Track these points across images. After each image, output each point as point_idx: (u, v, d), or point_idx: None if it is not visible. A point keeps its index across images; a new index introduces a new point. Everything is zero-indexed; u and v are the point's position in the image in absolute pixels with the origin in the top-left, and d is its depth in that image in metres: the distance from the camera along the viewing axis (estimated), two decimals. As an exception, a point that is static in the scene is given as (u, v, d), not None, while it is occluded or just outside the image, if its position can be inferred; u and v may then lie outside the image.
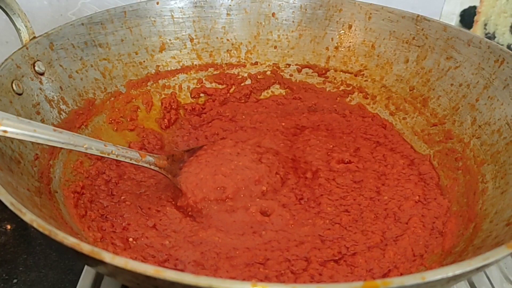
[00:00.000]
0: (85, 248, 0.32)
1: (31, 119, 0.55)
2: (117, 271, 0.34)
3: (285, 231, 0.53)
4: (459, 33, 0.67)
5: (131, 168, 0.62)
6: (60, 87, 0.61)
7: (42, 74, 0.59)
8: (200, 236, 0.52)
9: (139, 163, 0.55)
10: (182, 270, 0.48)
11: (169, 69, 0.75)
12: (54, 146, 0.50)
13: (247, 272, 0.48)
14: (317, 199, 0.57)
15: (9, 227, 0.65)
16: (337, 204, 0.57)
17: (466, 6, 0.94)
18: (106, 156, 0.51)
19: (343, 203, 0.57)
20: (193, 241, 0.52)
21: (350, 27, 0.77)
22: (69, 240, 0.32)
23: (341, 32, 0.77)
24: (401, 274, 0.49)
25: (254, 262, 0.50)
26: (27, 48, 0.58)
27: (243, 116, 0.74)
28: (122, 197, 0.57)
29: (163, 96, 0.74)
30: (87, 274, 0.54)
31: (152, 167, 0.57)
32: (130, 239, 0.51)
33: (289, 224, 0.54)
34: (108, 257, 0.31)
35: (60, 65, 0.62)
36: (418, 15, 0.71)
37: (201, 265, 0.49)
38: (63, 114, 0.60)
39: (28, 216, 0.35)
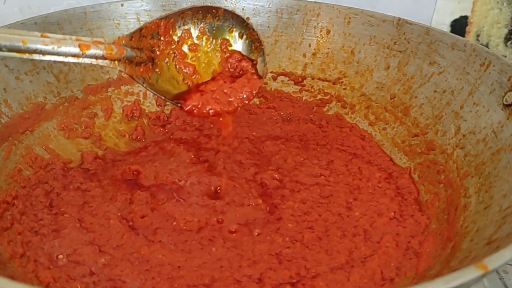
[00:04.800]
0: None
1: (-38, 120, 0.50)
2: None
3: (238, 248, 0.47)
4: (443, 36, 0.61)
5: (79, 178, 0.56)
6: (4, 89, 0.56)
7: (-18, 73, 0.54)
8: (142, 253, 0.46)
9: (80, 60, 0.43)
10: (111, 293, 0.42)
11: (133, 74, 0.70)
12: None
13: (188, 295, 0.42)
14: (277, 213, 0.51)
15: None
16: (300, 220, 0.50)
17: (457, 16, 0.88)
18: (28, 56, 0.41)
19: (307, 219, 0.51)
20: (133, 258, 0.46)
21: (328, 32, 0.72)
22: None
23: (319, 37, 0.72)
24: (367, 301, 0.42)
25: (198, 284, 0.43)
26: (-36, 45, 0.53)
27: (211, 125, 0.68)
28: (62, 209, 0.51)
29: (125, 103, 0.69)
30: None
31: (102, 62, 0.44)
32: (60, 256, 0.45)
33: (243, 240, 0.48)
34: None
35: (6, 65, 0.57)
36: (399, 18, 0.66)
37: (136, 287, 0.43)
38: (4, 117, 0.55)
39: None
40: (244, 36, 0.53)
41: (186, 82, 0.53)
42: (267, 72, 0.55)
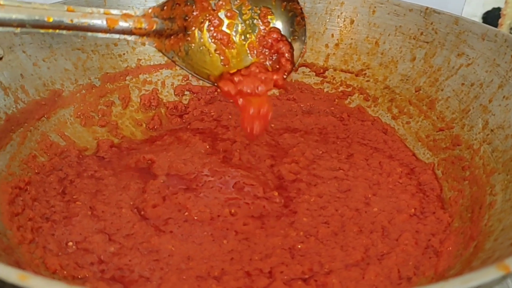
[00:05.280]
0: None
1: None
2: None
3: (250, 241, 0.45)
4: (472, 26, 0.58)
5: (94, 166, 0.56)
6: (21, 75, 0.56)
7: (-1, 58, 0.54)
8: (151, 243, 0.45)
9: (107, 35, 0.42)
10: (120, 282, 0.41)
11: (151, 63, 0.69)
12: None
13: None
14: (292, 207, 0.49)
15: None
16: (316, 214, 0.49)
17: (489, 8, 0.85)
18: (51, 30, 0.40)
19: (323, 213, 0.49)
20: (142, 248, 0.45)
21: (352, 22, 0.69)
22: None
23: (342, 27, 0.70)
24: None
25: (207, 276, 0.42)
26: (-17, 30, 0.53)
27: (230, 116, 0.67)
28: (74, 197, 0.50)
29: (143, 92, 0.68)
30: None
31: (129, 37, 0.43)
32: (70, 243, 0.45)
33: (256, 233, 0.46)
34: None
35: (24, 51, 0.57)
36: (427, 8, 0.63)
37: (144, 277, 0.42)
38: (20, 103, 0.55)
39: None
40: (288, 8, 0.50)
41: (218, 52, 0.51)
42: (305, 52, 0.52)
